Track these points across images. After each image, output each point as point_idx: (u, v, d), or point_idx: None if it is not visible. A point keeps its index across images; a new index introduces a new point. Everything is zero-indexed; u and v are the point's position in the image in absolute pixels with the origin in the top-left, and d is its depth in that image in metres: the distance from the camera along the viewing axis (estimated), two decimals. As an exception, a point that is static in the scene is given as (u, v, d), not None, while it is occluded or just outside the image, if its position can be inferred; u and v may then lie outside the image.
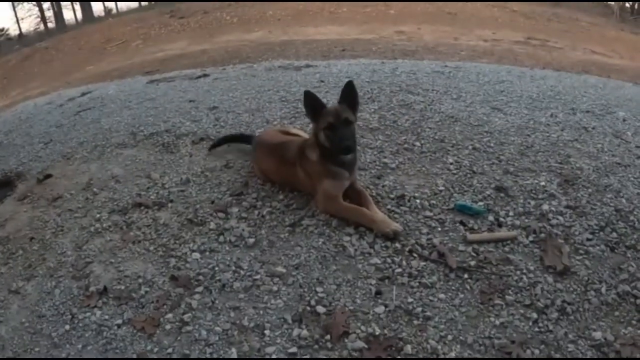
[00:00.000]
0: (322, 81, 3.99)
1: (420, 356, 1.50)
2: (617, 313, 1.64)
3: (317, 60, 5.12)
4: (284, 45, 5.58)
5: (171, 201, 2.33)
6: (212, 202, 2.28)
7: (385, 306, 1.67)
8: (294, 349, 1.54)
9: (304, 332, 1.60)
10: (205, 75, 4.47)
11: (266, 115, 3.24)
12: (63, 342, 1.70)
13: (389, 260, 1.86)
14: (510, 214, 2.11)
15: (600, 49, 6.41)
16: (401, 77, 3.97)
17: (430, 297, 1.69)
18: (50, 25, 22.85)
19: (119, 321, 1.73)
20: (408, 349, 1.51)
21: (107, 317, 1.76)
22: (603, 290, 1.71)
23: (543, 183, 2.31)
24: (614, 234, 1.97)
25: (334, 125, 2.09)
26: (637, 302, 1.67)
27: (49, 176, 2.85)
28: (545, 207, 2.13)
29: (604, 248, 1.90)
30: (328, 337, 1.57)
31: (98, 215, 2.34)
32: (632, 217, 2.06)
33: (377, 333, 1.57)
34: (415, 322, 1.60)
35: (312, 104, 2.18)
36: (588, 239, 1.95)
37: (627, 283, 1.74)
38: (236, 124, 3.09)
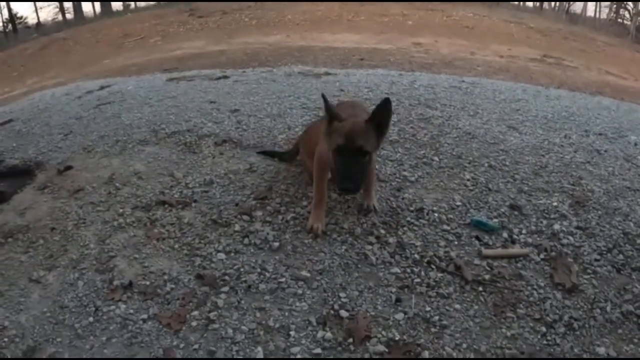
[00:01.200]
0: (342, 90, 4.04)
1: None
2: (620, 331, 1.71)
3: (336, 69, 5.17)
4: (303, 50, 5.64)
5: (195, 201, 2.37)
6: (237, 205, 2.32)
7: (405, 313, 1.73)
8: (318, 350, 1.60)
9: (328, 335, 1.65)
10: (225, 77, 4.52)
11: (287, 121, 3.29)
12: (87, 334, 1.73)
13: (408, 270, 1.93)
14: (524, 231, 2.18)
15: (615, 69, 6.47)
16: (419, 91, 4.03)
17: (447, 307, 1.76)
18: (69, 16, 22.87)
19: (144, 316, 1.76)
20: (426, 354, 1.58)
21: (132, 311, 1.79)
22: (608, 308, 1.79)
23: (555, 203, 2.38)
24: (621, 256, 2.04)
25: (342, 151, 1.79)
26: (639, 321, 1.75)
27: (69, 167, 2.88)
28: (557, 226, 2.21)
29: (611, 269, 1.98)
30: (351, 340, 1.63)
31: (121, 210, 2.37)
32: (639, 240, 2.12)
33: (397, 338, 1.64)
34: (433, 329, 1.67)
35: (328, 110, 1.92)
36: (596, 260, 2.02)
37: (631, 303, 1.82)
38: (258, 128, 3.13)
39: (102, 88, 4.77)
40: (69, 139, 3.39)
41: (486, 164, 2.72)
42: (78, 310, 1.83)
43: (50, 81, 5.97)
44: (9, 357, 1.67)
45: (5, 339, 1.70)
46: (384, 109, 1.81)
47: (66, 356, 1.66)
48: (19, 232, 2.29)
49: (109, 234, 2.22)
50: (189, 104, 3.66)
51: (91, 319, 1.79)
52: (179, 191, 2.47)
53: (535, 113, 3.63)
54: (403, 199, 2.37)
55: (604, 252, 2.06)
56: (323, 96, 1.93)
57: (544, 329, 1.70)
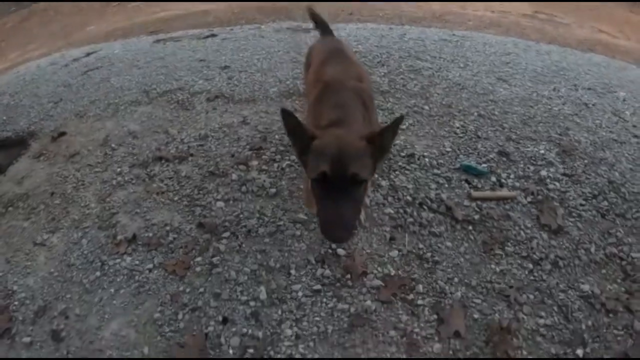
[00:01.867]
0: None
1: (431, 294, 1.66)
2: (604, 271, 1.80)
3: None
4: (290, 6, 5.44)
5: (191, 155, 2.39)
6: (232, 156, 2.33)
7: (399, 251, 1.82)
8: (318, 286, 1.67)
9: (327, 272, 1.72)
10: (213, 36, 4.40)
11: (278, 75, 3.25)
12: (95, 288, 1.79)
13: (401, 210, 1.99)
14: (511, 176, 2.24)
15: (608, 28, 6.24)
16: (409, 44, 3.97)
17: (439, 245, 1.85)
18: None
19: (150, 265, 1.82)
20: (420, 288, 1.68)
21: (137, 262, 1.85)
22: (592, 250, 1.88)
23: (542, 151, 2.42)
24: (605, 203, 2.10)
25: (326, 180, 1.21)
26: (623, 263, 1.83)
27: (63, 134, 2.87)
28: (544, 172, 2.26)
29: (596, 214, 2.04)
30: (349, 276, 1.71)
31: (119, 170, 2.38)
32: (624, 189, 2.18)
33: (392, 273, 1.73)
34: (426, 265, 1.76)
35: (293, 128, 1.32)
36: (581, 204, 2.09)
37: (614, 246, 1.90)
38: (249, 83, 3.10)
39: (88, 55, 4.65)
40: (59, 106, 3.35)
41: (475, 113, 2.75)
42: (85, 266, 1.89)
43: (34, 53, 5.80)
44: (21, 319, 1.72)
45: (16, 303, 1.77)
46: (392, 126, 1.28)
47: (77, 311, 1.72)
48: (18, 200, 2.32)
49: (108, 193, 2.24)
50: (178, 64, 3.59)
51: (98, 273, 1.84)
52: (174, 147, 2.47)
53: (524, 66, 3.60)
54: (395, 145, 2.40)
55: (589, 198, 2.12)
56: (283, 113, 1.31)
57: (531, 265, 1.80)
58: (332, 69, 1.71)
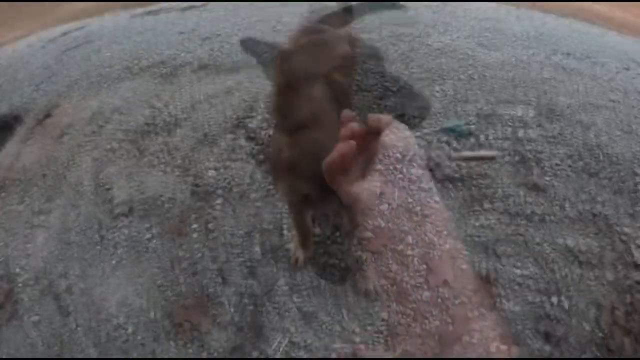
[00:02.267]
0: (313, 12, 3.92)
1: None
2: (577, 226, 1.90)
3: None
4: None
5: (180, 126, 2.41)
6: (220, 125, 2.36)
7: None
8: (310, 244, 1.74)
9: (317, 230, 1.79)
10: (192, 7, 4.32)
11: (261, 45, 3.23)
12: (97, 262, 1.86)
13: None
14: (490, 137, 2.30)
15: None
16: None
17: None
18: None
19: (148, 235, 1.89)
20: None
21: (135, 233, 1.91)
22: (567, 206, 1.97)
23: (521, 114, 2.48)
24: (581, 163, 2.18)
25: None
26: (596, 219, 1.92)
27: (48, 115, 2.86)
28: (521, 133, 2.32)
29: (571, 173, 2.13)
30: (338, 233, 1.79)
31: (109, 146, 2.41)
32: (598, 150, 2.25)
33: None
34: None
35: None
36: (557, 164, 2.17)
37: (588, 203, 1.99)
38: (232, 53, 3.08)
39: (64, 34, 4.54)
40: (41, 88, 3.32)
41: (455, 78, 2.79)
42: (84, 242, 1.95)
43: (8, 36, 5.63)
44: (26, 299, 1.79)
45: (20, 284, 1.83)
46: None
47: (81, 286, 1.78)
48: (10, 185, 2.34)
49: (101, 169, 2.28)
50: (158, 38, 3.54)
51: (98, 247, 1.91)
52: (162, 119, 2.49)
53: (505, 32, 3.61)
54: (386, 106, 2.45)
55: (565, 158, 2.20)
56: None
57: (508, 220, 1.90)
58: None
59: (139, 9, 4.77)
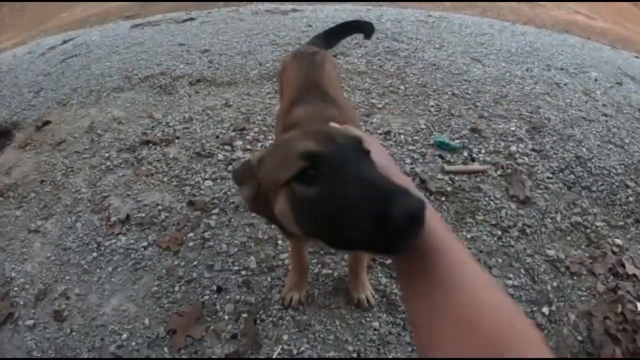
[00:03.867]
0: (310, 26, 4.02)
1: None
2: (569, 238, 1.95)
3: (303, 4, 5.07)
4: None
5: (177, 137, 2.46)
6: (217, 137, 2.41)
7: None
8: (304, 254, 1.77)
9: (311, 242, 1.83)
10: (191, 19, 4.40)
11: (258, 58, 3.31)
12: (93, 268, 1.88)
13: None
14: (483, 151, 2.37)
15: (585, 9, 6.33)
16: (386, 25, 4.06)
17: None
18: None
19: (145, 243, 1.92)
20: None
21: (132, 241, 1.94)
22: (558, 218, 2.02)
23: (513, 128, 2.56)
24: (572, 176, 2.25)
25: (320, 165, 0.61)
26: (587, 231, 1.98)
27: (47, 123, 2.89)
28: (514, 148, 2.40)
29: (562, 186, 2.19)
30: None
31: (107, 155, 2.44)
32: (590, 164, 2.33)
33: None
34: None
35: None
36: (548, 177, 2.23)
37: (579, 216, 2.05)
38: (230, 66, 3.15)
39: (65, 42, 4.60)
40: (41, 95, 3.36)
41: (449, 92, 2.87)
42: (81, 249, 1.97)
43: (8, 43, 5.68)
44: (22, 303, 1.80)
45: (16, 288, 1.84)
46: None
47: (77, 291, 1.80)
48: (8, 190, 2.36)
49: (98, 178, 2.31)
50: (158, 49, 3.61)
51: (95, 254, 1.93)
52: (160, 130, 2.54)
53: (499, 47, 3.72)
54: (371, 123, 2.53)
55: (557, 172, 2.27)
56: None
57: (499, 232, 1.94)
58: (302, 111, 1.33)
59: (139, 19, 4.86)
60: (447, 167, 2.23)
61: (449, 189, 2.12)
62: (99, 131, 2.65)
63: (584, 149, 2.42)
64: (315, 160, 0.60)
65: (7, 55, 5.37)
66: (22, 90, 3.57)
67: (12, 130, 3.01)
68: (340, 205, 0.55)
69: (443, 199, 2.07)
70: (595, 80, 3.25)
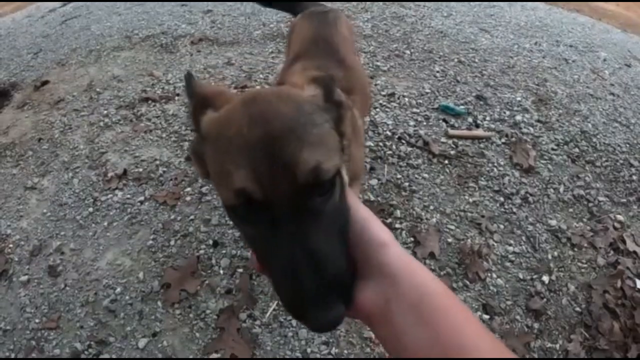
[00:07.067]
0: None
1: (408, 219, 1.77)
2: (571, 210, 1.92)
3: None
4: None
5: (177, 95, 2.40)
6: (218, 94, 2.34)
7: (378, 179, 1.91)
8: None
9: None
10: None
11: (262, 19, 3.21)
12: (88, 223, 1.85)
13: (380, 144, 2.07)
14: (487, 118, 2.31)
15: None
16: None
17: (416, 176, 1.94)
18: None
19: (141, 198, 1.88)
20: (397, 213, 1.78)
21: (129, 196, 1.90)
22: (561, 190, 1.99)
23: (519, 98, 2.49)
24: (577, 149, 2.20)
25: (257, 205, 0.49)
26: (589, 204, 1.95)
27: (46, 82, 2.84)
28: (519, 117, 2.34)
29: (566, 158, 2.14)
30: None
31: (105, 112, 2.39)
32: (595, 139, 2.27)
33: (372, 199, 1.82)
34: (403, 193, 1.86)
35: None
36: (553, 149, 2.18)
37: (582, 189, 2.01)
38: (233, 26, 3.07)
39: (64, 4, 4.50)
40: (39, 56, 3.29)
41: (456, 59, 2.79)
42: (77, 204, 1.94)
43: (7, 7, 5.57)
44: (17, 259, 1.78)
45: (11, 245, 1.82)
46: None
47: (72, 246, 1.78)
48: (5, 149, 2.33)
49: (96, 134, 2.27)
50: (159, 9, 3.51)
51: (91, 209, 1.90)
52: (160, 88, 2.48)
53: (508, 19, 3.60)
54: (376, 85, 2.45)
55: (561, 144, 2.22)
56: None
57: (502, 199, 1.91)
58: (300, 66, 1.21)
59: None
60: (451, 132, 2.18)
61: (452, 152, 2.08)
62: (98, 89, 2.59)
63: (590, 125, 2.36)
64: (250, 202, 0.48)
65: (6, 20, 5.27)
66: (20, 52, 3.50)
67: (10, 91, 2.96)
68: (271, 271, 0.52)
69: (446, 162, 2.03)
70: (604, 60, 3.17)
